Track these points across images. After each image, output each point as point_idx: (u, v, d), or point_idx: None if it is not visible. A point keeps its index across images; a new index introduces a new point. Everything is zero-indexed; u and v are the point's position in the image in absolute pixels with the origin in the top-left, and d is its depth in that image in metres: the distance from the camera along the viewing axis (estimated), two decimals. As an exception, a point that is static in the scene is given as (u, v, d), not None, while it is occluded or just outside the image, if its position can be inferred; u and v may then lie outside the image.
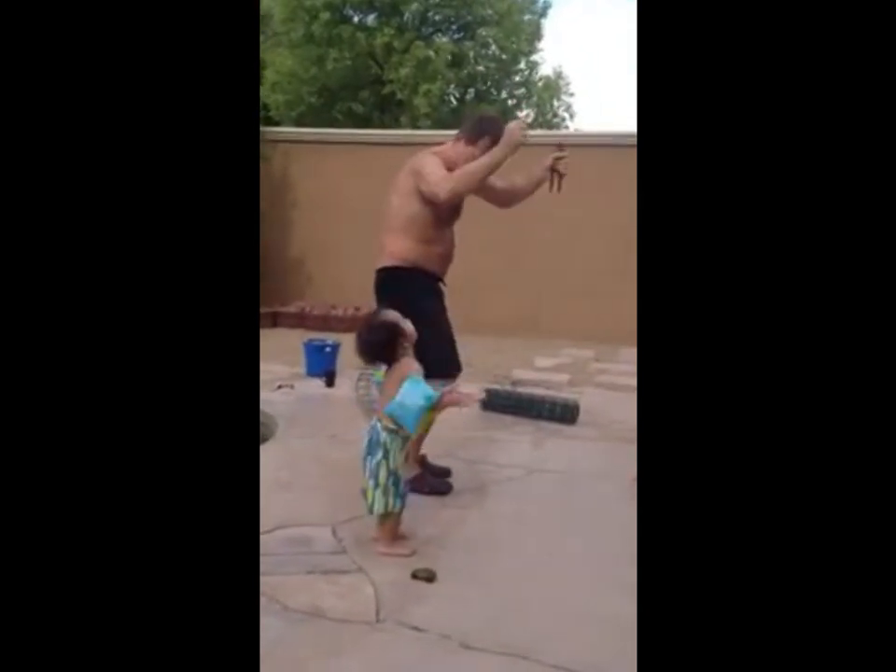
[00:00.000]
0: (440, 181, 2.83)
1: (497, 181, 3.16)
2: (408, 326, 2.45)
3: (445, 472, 3.16)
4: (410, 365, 2.42)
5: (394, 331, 2.43)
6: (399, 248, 2.96)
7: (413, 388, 2.34)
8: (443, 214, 2.96)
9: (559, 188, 3.08)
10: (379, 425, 2.41)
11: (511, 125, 2.87)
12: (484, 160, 2.87)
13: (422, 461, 3.08)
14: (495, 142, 2.89)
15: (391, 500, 2.38)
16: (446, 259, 3.07)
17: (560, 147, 3.10)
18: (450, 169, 2.92)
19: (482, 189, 3.05)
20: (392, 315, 2.48)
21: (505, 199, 3.24)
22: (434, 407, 2.38)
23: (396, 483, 2.39)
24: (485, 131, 2.93)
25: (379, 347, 2.44)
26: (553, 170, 3.08)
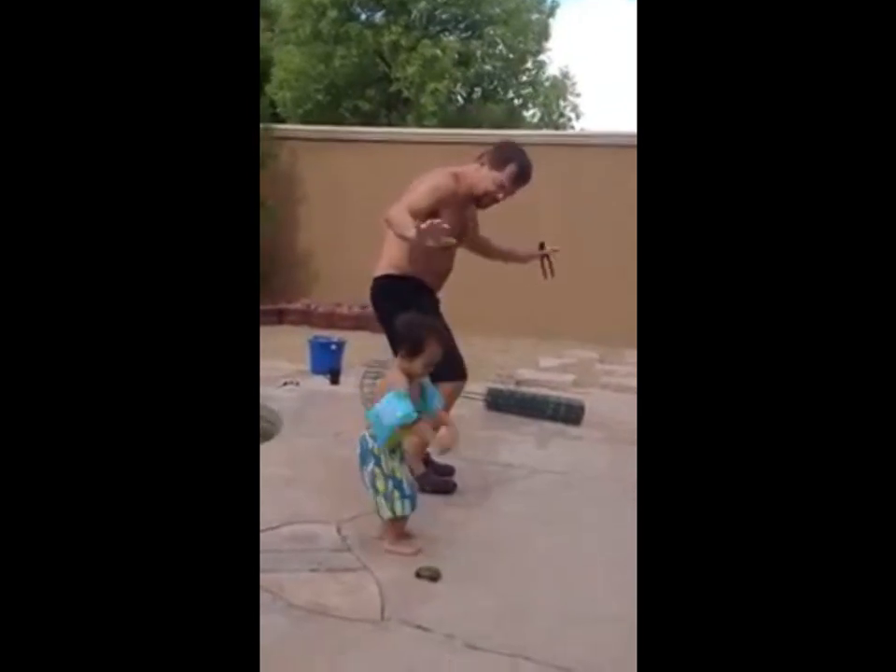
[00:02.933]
0: (399, 205, 2.79)
1: (494, 243, 3.40)
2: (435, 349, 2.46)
3: (449, 471, 3.16)
4: (397, 379, 2.40)
5: (424, 338, 2.42)
6: (395, 258, 3.00)
7: (391, 404, 2.32)
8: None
9: (552, 273, 3.36)
10: (367, 433, 2.42)
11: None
12: (406, 231, 2.66)
13: (426, 459, 3.08)
14: (521, 170, 2.97)
15: (397, 504, 2.38)
16: (442, 275, 3.11)
17: (542, 246, 3.35)
18: (469, 192, 2.96)
19: (475, 246, 3.29)
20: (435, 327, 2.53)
21: (490, 255, 3.43)
22: (407, 428, 2.34)
23: (398, 487, 2.38)
24: (510, 158, 2.98)
25: (412, 341, 2.42)
26: (542, 258, 3.33)
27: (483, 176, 2.99)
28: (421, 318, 2.52)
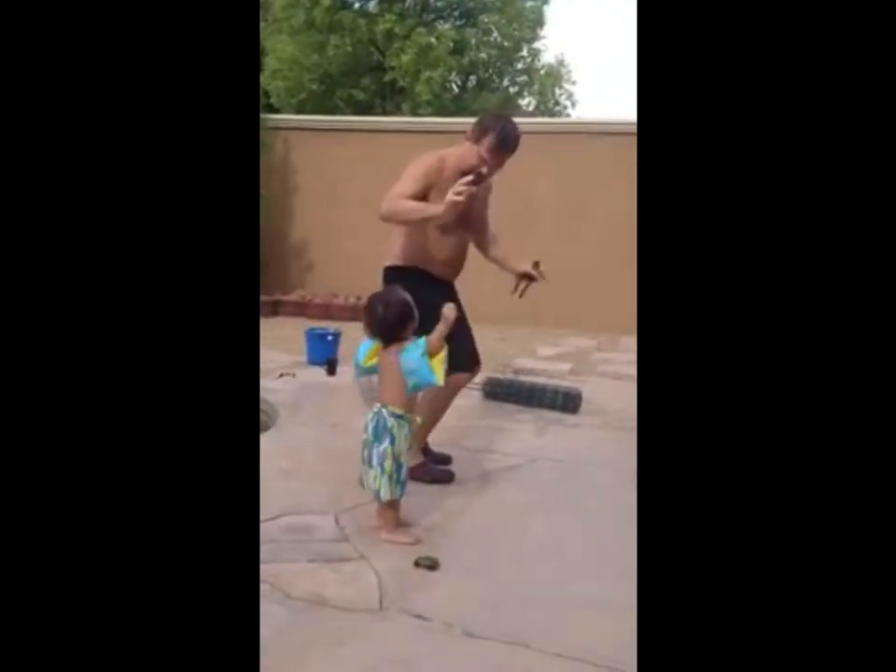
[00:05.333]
0: (389, 196, 2.78)
1: (492, 240, 3.27)
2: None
3: (446, 459, 3.16)
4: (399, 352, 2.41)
5: (408, 309, 2.43)
6: (398, 248, 3.00)
7: (406, 356, 2.36)
8: (446, 221, 2.90)
9: (521, 293, 3.14)
10: (384, 411, 2.40)
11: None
12: (426, 211, 2.74)
13: (424, 449, 3.08)
14: (498, 139, 2.83)
15: (395, 487, 2.38)
16: (451, 264, 3.06)
17: (536, 265, 3.15)
18: (456, 170, 2.85)
19: (477, 240, 3.20)
20: (403, 293, 2.48)
21: (486, 254, 3.32)
22: (431, 352, 2.33)
23: (399, 470, 2.39)
24: (487, 129, 2.87)
25: (393, 324, 2.42)
26: (524, 276, 3.13)
27: (464, 151, 2.90)
28: (397, 291, 2.48)
